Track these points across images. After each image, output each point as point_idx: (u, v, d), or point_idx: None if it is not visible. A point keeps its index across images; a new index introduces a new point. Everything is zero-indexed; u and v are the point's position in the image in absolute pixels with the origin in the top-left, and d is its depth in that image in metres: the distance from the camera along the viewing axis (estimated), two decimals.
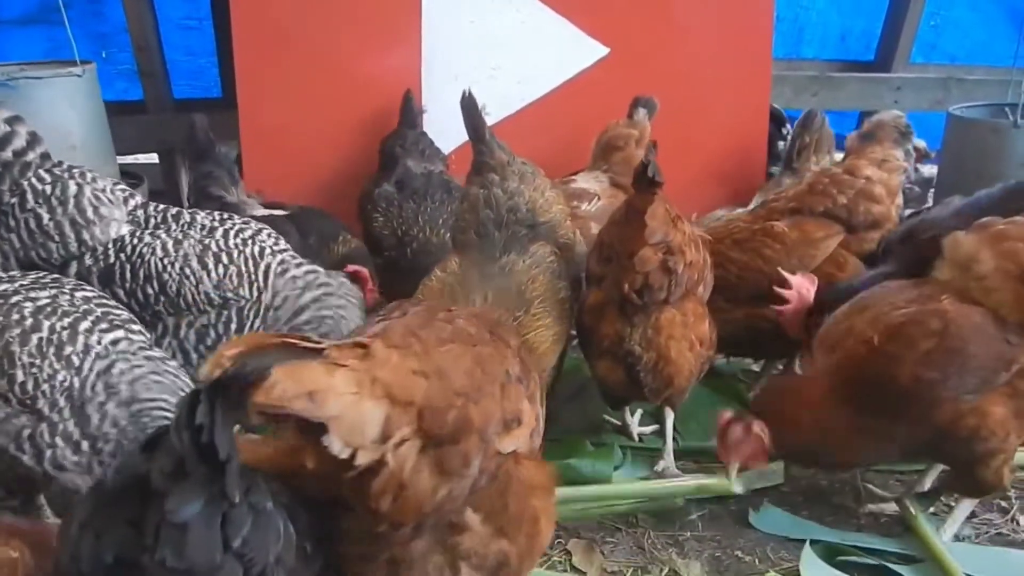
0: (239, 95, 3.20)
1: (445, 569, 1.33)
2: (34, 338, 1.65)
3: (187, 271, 2.03)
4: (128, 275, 2.01)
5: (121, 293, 1.99)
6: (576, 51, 3.27)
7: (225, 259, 2.05)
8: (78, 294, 1.78)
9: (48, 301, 1.72)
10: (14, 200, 2.00)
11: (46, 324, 1.67)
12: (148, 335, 1.82)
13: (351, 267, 2.41)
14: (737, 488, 2.00)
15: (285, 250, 2.16)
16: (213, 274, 2.04)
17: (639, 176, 1.86)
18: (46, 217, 2.01)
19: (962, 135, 3.38)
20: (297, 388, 1.04)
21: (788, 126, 3.53)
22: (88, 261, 2.02)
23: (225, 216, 2.18)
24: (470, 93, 2.23)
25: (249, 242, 2.09)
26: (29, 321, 1.67)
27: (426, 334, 1.30)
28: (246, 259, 2.06)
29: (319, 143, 3.28)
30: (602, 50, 3.28)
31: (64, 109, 3.18)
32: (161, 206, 2.18)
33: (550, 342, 2.08)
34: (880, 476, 2.24)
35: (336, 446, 1.10)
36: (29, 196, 2.01)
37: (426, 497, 1.21)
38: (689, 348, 2.03)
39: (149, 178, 3.99)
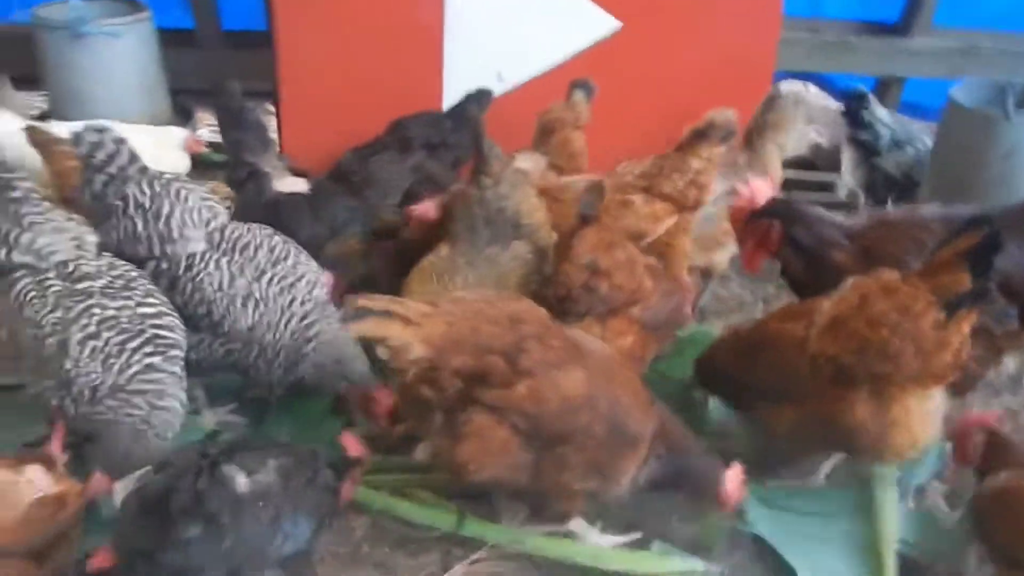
0: (278, 36, 3.44)
1: None
2: (90, 344, 2.15)
3: (231, 308, 2.43)
4: (188, 291, 2.45)
5: (179, 300, 2.43)
6: (589, 23, 3.45)
7: (262, 307, 2.43)
8: (139, 311, 2.24)
9: (113, 314, 2.21)
10: (119, 204, 2.47)
11: (104, 335, 2.16)
12: (181, 361, 2.29)
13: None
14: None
15: (311, 300, 2.51)
16: (249, 318, 2.43)
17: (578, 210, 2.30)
18: (140, 226, 2.46)
19: (955, 120, 3.50)
20: (375, 332, 1.91)
21: (869, 106, 3.67)
22: (164, 265, 2.47)
23: (279, 256, 2.51)
24: (479, 119, 2.58)
25: (285, 291, 2.47)
26: (92, 329, 2.17)
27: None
28: (279, 309, 2.45)
29: (357, 85, 3.57)
30: (615, 23, 3.45)
31: (125, 58, 3.62)
32: (236, 232, 2.53)
33: None
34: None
35: (384, 355, 1.93)
36: (131, 205, 2.46)
37: None
38: None
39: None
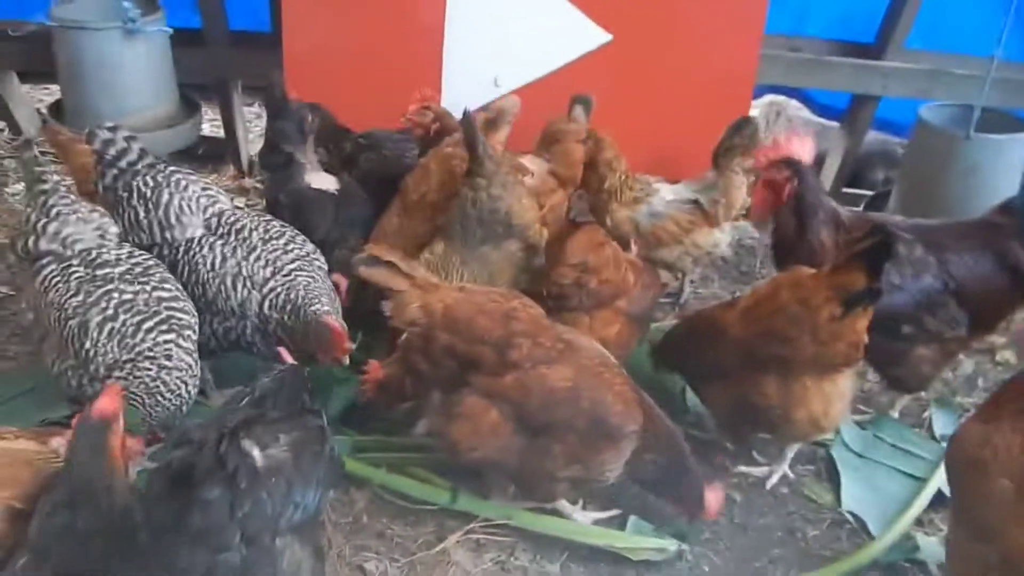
0: (284, 30, 3.61)
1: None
2: (108, 326, 2.32)
3: (223, 287, 2.58)
4: (185, 273, 2.61)
5: (180, 283, 2.55)
6: (582, 36, 3.64)
7: (250, 284, 2.58)
8: (155, 294, 2.40)
9: (131, 297, 2.37)
10: (125, 194, 2.67)
11: (121, 317, 2.33)
12: (194, 338, 2.43)
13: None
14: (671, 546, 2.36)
15: (296, 274, 2.62)
16: (239, 295, 2.58)
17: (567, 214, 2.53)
18: (142, 214, 2.65)
19: (922, 138, 3.73)
20: (385, 280, 2.23)
21: None
22: (165, 251, 2.65)
23: (272, 235, 2.67)
24: (468, 113, 2.73)
25: (270, 264, 2.60)
26: (111, 311, 2.33)
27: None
28: (263, 283, 2.58)
29: (359, 83, 3.70)
30: (606, 36, 3.64)
31: (143, 54, 3.77)
32: (232, 217, 2.69)
33: None
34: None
35: (386, 310, 2.24)
36: (135, 195, 2.66)
37: None
38: None
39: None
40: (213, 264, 2.62)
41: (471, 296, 2.28)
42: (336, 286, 2.76)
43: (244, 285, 2.60)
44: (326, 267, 2.77)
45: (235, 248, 2.64)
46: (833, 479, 2.73)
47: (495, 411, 2.23)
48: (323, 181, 3.19)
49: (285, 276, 2.62)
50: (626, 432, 2.28)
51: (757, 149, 3.30)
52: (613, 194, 3.33)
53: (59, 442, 2.15)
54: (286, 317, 2.58)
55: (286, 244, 2.70)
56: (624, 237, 3.23)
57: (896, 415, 3.03)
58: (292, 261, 2.66)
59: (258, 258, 2.62)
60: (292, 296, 2.58)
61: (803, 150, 2.80)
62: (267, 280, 2.61)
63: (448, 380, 2.23)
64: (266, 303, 2.60)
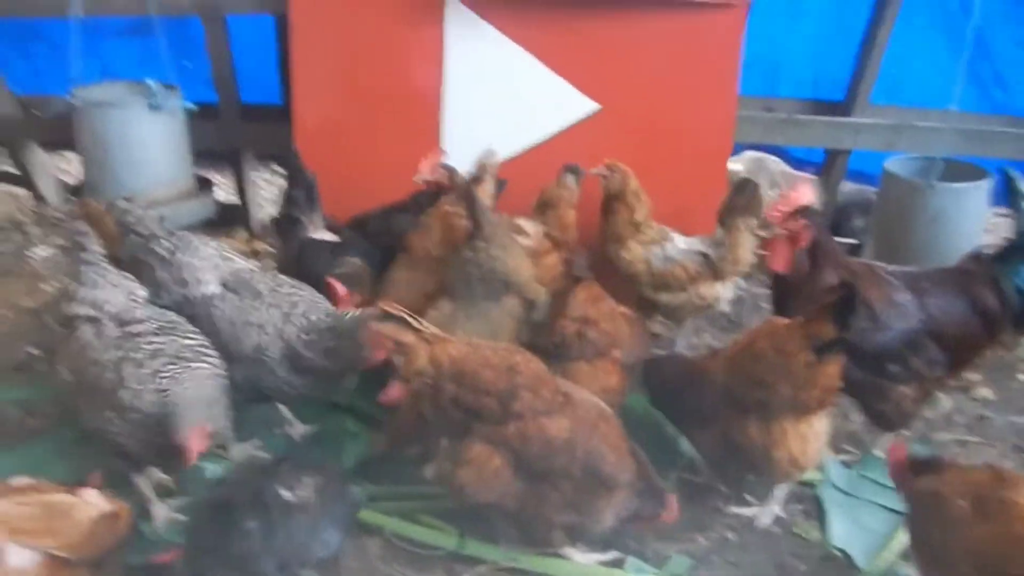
0: (295, 103, 3.90)
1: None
2: (140, 372, 2.50)
3: (236, 335, 2.79)
4: (203, 324, 2.81)
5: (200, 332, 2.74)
6: (571, 105, 3.93)
7: (258, 330, 2.78)
8: (183, 342, 2.59)
9: (161, 346, 2.56)
10: (147, 259, 2.94)
11: (151, 365, 2.51)
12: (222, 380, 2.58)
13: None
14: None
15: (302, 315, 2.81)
16: (252, 340, 2.79)
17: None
18: (161, 275, 2.92)
19: (890, 189, 3.99)
20: (394, 334, 2.37)
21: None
22: (185, 308, 2.88)
23: (278, 285, 2.89)
24: (467, 182, 2.98)
25: (275, 309, 2.81)
26: (142, 359, 2.51)
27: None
28: (274, 327, 2.77)
29: (364, 151, 3.96)
30: (594, 105, 3.93)
31: (161, 131, 4.05)
32: (245, 274, 2.95)
33: None
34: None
35: (396, 362, 2.37)
36: (155, 260, 2.94)
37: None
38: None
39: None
40: (225, 313, 2.84)
41: (476, 350, 2.46)
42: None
43: (256, 331, 2.80)
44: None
45: (244, 299, 2.87)
46: (821, 517, 2.86)
47: (498, 458, 2.38)
48: (323, 236, 3.48)
49: (303, 318, 2.81)
50: (620, 482, 2.43)
51: (760, 207, 3.54)
52: (639, 226, 3.49)
53: (91, 493, 2.32)
54: (330, 342, 2.74)
55: (290, 292, 2.90)
56: (635, 276, 3.44)
57: (880, 453, 3.19)
58: (298, 304, 2.85)
59: (263, 302, 2.85)
60: (323, 326, 2.77)
61: (805, 195, 3.06)
62: (292, 331, 2.79)
63: (455, 428, 2.40)
64: (300, 345, 2.77)
